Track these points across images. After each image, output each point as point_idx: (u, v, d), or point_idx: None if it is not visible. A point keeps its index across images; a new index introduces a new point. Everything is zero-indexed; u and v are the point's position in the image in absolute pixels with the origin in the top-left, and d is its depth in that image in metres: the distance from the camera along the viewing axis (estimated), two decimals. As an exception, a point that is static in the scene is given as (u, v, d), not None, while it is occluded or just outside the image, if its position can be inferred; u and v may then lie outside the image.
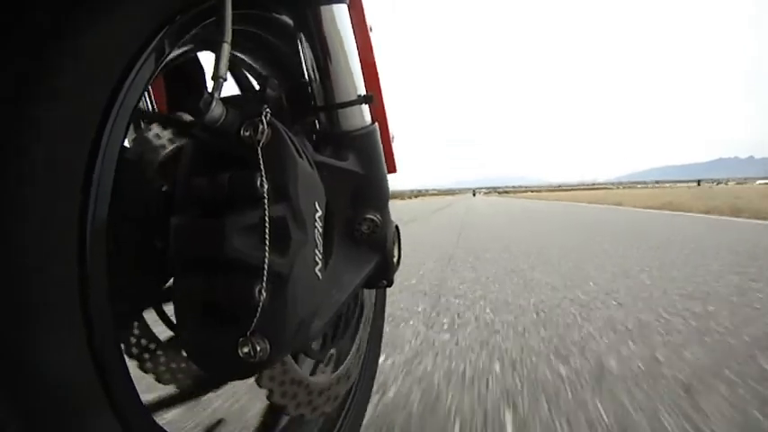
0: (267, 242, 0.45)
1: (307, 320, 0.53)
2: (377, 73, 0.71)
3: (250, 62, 0.72)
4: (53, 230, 0.37)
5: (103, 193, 0.40)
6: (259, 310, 0.46)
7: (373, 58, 0.70)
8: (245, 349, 0.47)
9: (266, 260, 0.45)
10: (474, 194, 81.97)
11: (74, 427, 0.38)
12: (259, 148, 0.46)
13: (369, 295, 0.89)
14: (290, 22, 0.67)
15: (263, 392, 0.60)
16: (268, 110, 0.47)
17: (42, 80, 0.36)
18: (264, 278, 0.45)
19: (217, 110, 0.44)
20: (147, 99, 0.63)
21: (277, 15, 0.67)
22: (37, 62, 0.36)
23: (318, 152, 0.59)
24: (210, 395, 0.87)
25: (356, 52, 0.65)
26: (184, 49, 0.56)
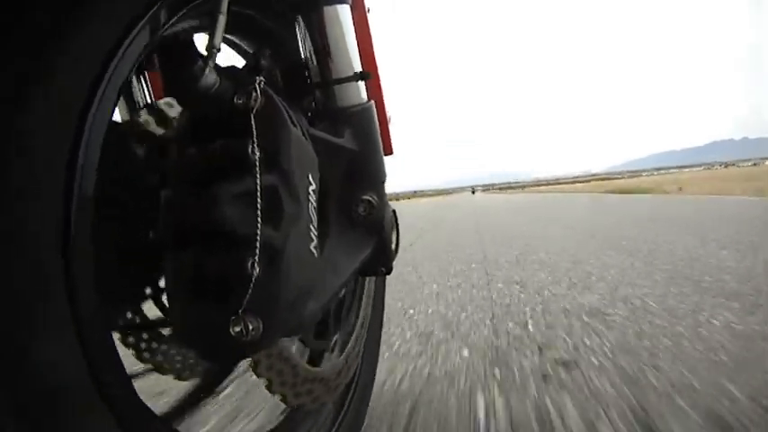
0: (259, 212, 0.44)
1: (301, 299, 0.51)
2: (374, 52, 0.70)
3: (247, 40, 0.71)
4: (40, 224, 0.35)
5: (91, 168, 0.38)
6: (252, 285, 0.44)
7: (370, 37, 0.70)
8: (238, 328, 0.45)
9: (258, 231, 0.44)
10: (473, 192, 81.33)
11: (72, 425, 0.37)
12: (252, 115, 0.45)
13: (369, 284, 0.88)
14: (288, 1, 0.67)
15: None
16: (262, 78, 0.46)
17: (32, 56, 0.35)
18: (257, 251, 0.44)
19: (210, 77, 0.44)
20: (142, 78, 0.62)
21: None
22: (36, 62, 0.35)
23: (314, 128, 0.58)
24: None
25: (353, 31, 0.64)
26: (181, 25, 0.55)
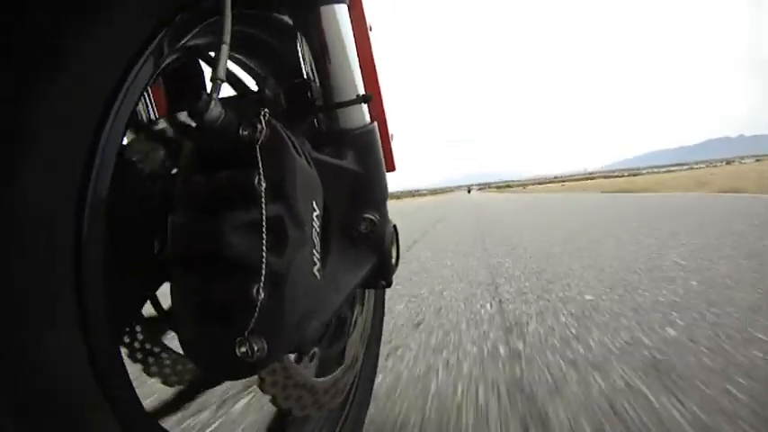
0: (264, 241, 0.45)
1: (305, 320, 0.53)
2: (376, 72, 0.71)
3: (249, 62, 0.72)
4: (50, 230, 0.36)
5: (101, 193, 0.39)
6: (257, 309, 0.46)
7: (372, 57, 0.70)
8: (243, 349, 0.47)
9: (264, 259, 0.45)
10: (469, 191, 78.47)
11: (72, 427, 0.38)
12: (257, 147, 0.46)
13: (368, 296, 0.89)
14: (290, 21, 0.67)
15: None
16: (266, 110, 0.47)
17: (42, 80, 0.36)
18: (262, 277, 0.46)
19: (215, 110, 0.44)
20: (147, 101, 0.63)
21: (276, 15, 0.67)
22: (37, 62, 0.36)
23: (317, 151, 0.59)
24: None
25: (355, 52, 0.65)
26: (184, 50, 0.56)
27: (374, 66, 0.70)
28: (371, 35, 0.72)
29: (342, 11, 0.64)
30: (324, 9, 0.63)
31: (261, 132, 0.46)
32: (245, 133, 0.46)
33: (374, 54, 0.71)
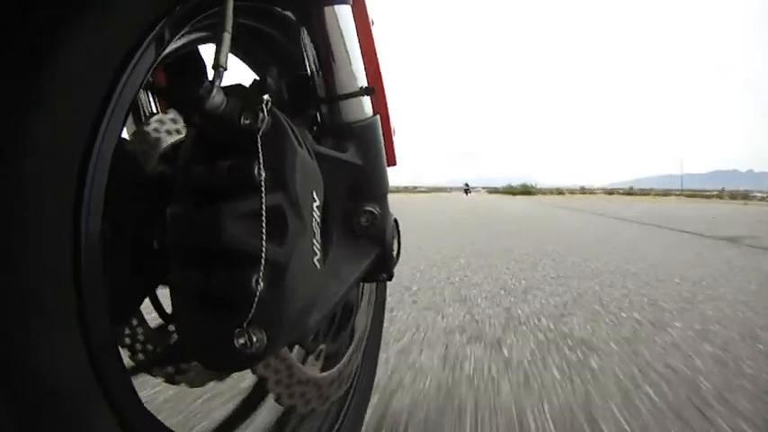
0: (264, 231, 0.45)
1: (305, 311, 0.52)
2: (379, 66, 0.71)
3: (251, 55, 0.72)
4: (49, 225, 0.36)
5: (100, 185, 0.39)
6: (256, 300, 0.45)
7: (375, 51, 0.70)
8: (242, 340, 0.46)
9: (263, 249, 0.45)
10: (467, 192, 60.15)
11: (72, 426, 0.37)
12: (258, 136, 0.45)
13: (369, 289, 0.89)
14: (292, 15, 0.67)
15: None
16: (268, 98, 0.47)
17: (40, 70, 0.35)
18: (262, 267, 0.45)
19: (217, 98, 0.44)
20: (148, 91, 0.63)
21: (279, 8, 0.67)
22: (36, 51, 0.36)
23: (319, 143, 0.59)
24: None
25: (358, 45, 0.65)
26: (185, 40, 0.56)
27: (377, 59, 0.70)
28: (374, 29, 0.71)
29: (344, 5, 0.64)
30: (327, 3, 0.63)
31: (262, 121, 0.46)
32: (247, 122, 0.46)
33: (377, 48, 0.71)
